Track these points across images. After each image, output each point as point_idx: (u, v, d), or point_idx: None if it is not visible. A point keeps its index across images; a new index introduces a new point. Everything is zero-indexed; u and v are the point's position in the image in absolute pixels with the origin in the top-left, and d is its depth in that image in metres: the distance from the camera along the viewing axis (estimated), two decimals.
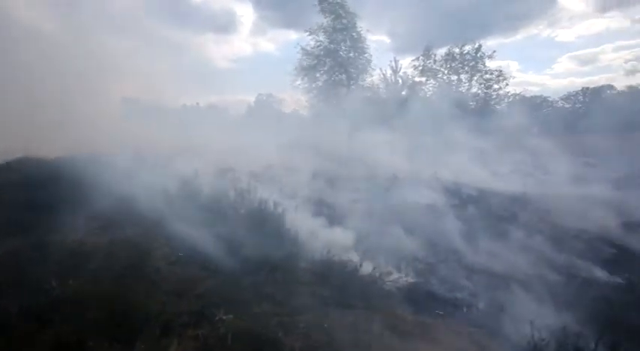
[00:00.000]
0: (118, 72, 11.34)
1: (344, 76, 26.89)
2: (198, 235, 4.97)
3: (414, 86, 29.55)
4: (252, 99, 37.02)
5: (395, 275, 4.39)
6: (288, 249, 4.84)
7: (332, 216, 7.19)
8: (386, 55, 76.45)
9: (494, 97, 31.55)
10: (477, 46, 31.50)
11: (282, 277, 4.49)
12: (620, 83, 50.66)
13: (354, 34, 27.19)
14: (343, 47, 26.66)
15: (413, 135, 14.64)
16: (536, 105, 43.65)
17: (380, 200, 7.88)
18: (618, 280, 4.78)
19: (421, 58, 32.32)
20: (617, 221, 6.81)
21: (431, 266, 4.78)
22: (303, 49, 27.54)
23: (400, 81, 28.12)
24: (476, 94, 31.81)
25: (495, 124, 23.07)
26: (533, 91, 66.00)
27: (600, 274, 4.94)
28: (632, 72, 58.09)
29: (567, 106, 45.09)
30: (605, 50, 63.84)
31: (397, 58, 29.90)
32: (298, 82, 28.03)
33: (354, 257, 4.50)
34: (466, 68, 32.09)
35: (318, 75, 27.28)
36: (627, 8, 56.65)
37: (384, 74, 29.09)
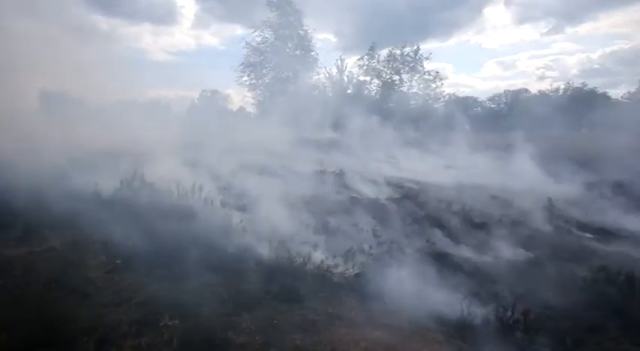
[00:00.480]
0: (34, 62, 10.02)
1: (290, 74, 26.92)
2: (138, 241, 4.67)
3: (358, 85, 30.58)
4: (195, 95, 35.19)
5: (342, 267, 4.58)
6: (235, 247, 4.78)
7: (279, 211, 7.23)
8: (332, 53, 77.83)
9: (432, 96, 33.98)
10: (415, 48, 33.61)
11: (230, 276, 4.44)
12: (534, 87, 57.78)
13: (300, 31, 27.33)
14: (289, 44, 26.70)
15: (358, 132, 15.19)
16: (468, 105, 47.89)
17: (327, 194, 8.11)
18: (530, 255, 5.55)
19: (365, 57, 33.56)
20: (530, 207, 7.85)
21: (375, 257, 5.06)
22: (248, 44, 27.00)
23: (346, 80, 28.97)
24: (416, 94, 33.98)
25: (433, 121, 24.95)
26: (465, 91, 72.38)
27: (516, 252, 5.70)
28: (542, 78, 66.78)
29: (493, 106, 50.02)
30: (521, 58, 72.16)
31: (343, 58, 30.66)
32: (244, 79, 27.45)
33: (303, 251, 4.60)
34: (407, 69, 34.13)
35: (264, 71, 27.01)
36: (537, 22, 64.63)
37: (329, 73, 29.72)
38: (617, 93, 37.19)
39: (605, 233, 6.51)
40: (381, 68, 34.17)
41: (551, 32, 70.50)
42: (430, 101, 33.56)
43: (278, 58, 26.13)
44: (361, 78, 33.19)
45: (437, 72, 33.71)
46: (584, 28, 66.52)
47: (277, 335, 3.49)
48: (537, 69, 67.42)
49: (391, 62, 34.22)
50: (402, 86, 33.72)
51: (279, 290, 3.98)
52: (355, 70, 33.79)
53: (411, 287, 4.41)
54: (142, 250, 4.66)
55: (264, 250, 4.73)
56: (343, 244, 5.03)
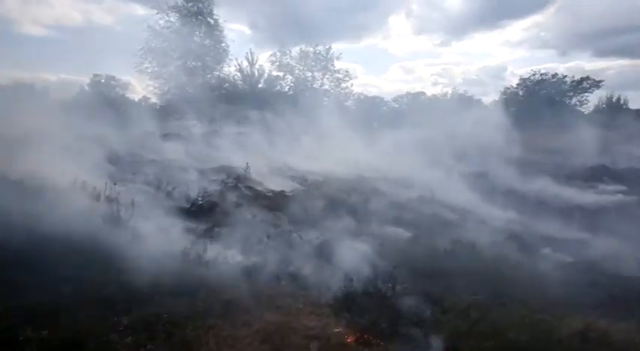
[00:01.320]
0: None
1: (199, 64, 25.37)
2: None
3: (270, 80, 30.53)
4: (85, 80, 30.18)
5: (239, 258, 4.69)
6: (119, 245, 4.48)
7: (182, 208, 6.96)
8: (247, 46, 75.59)
9: (342, 94, 35.99)
10: (327, 47, 35.09)
11: (122, 273, 4.16)
12: (429, 91, 65.92)
13: (210, 20, 25.92)
14: (198, 33, 25.09)
15: (269, 126, 15.28)
16: (375, 104, 52.12)
17: (231, 189, 8.07)
18: (409, 234, 6.53)
19: (278, 53, 33.66)
20: (412, 194, 9.14)
21: (273, 247, 5.31)
22: (151, 27, 24.47)
23: (256, 74, 28.57)
24: (327, 91, 35.56)
25: (345, 118, 26.51)
26: (374, 91, 78.27)
27: (399, 231, 6.65)
28: (435, 83, 76.66)
29: (397, 106, 55.41)
30: (419, 64, 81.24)
31: (253, 51, 30.09)
32: (146, 65, 24.83)
33: (199, 245, 4.57)
34: (318, 67, 35.42)
35: (168, 59, 24.85)
36: (431, 34, 73.89)
37: (240, 66, 28.83)
38: (487, 100, 44.92)
39: (466, 212, 8.04)
40: (294, 65, 34.76)
41: (441, 44, 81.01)
42: (341, 99, 35.47)
43: (185, 46, 24.30)
44: (274, 73, 33.26)
45: (347, 71, 35.78)
46: (465, 44, 78.38)
47: (165, 328, 3.45)
48: (432, 75, 77.03)
49: (304, 59, 35.06)
50: (314, 83, 34.86)
51: (171, 285, 3.89)
52: (268, 65, 33.73)
53: (305, 271, 4.77)
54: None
55: (153, 246, 4.54)
56: (242, 235, 5.13)
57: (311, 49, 34.90)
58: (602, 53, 72.55)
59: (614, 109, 33.88)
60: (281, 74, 33.99)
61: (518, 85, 40.69)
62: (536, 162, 15.19)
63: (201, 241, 4.78)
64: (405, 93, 54.04)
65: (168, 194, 7.15)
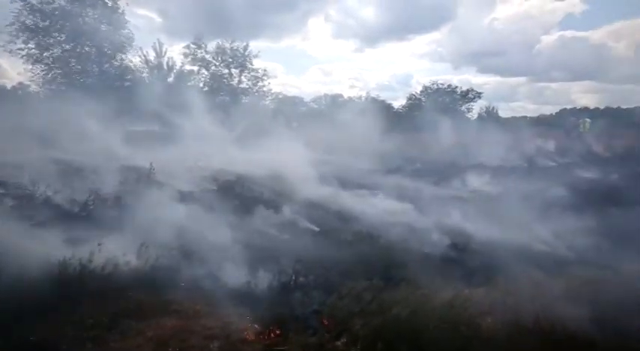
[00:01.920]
0: None
1: (93, 50, 22.19)
2: None
3: (182, 74, 28.47)
4: None
5: (134, 263, 4.36)
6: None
7: (67, 213, 6.14)
8: (157, 35, 68.90)
9: (261, 93, 35.53)
10: (244, 44, 34.24)
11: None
12: (346, 93, 69.68)
13: (107, 0, 22.86)
14: (91, 13, 21.85)
15: (179, 123, 14.34)
16: (295, 104, 52.87)
17: (133, 190, 7.40)
18: (316, 229, 6.92)
19: (192, 46, 31.64)
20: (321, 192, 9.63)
21: (177, 249, 5.07)
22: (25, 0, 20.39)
23: (166, 67, 26.28)
24: (245, 89, 34.76)
25: (263, 117, 26.31)
26: (293, 91, 79.31)
27: (307, 227, 6.99)
28: (352, 87, 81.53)
29: (315, 106, 57.07)
30: (337, 68, 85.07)
31: (162, 41, 27.29)
32: (20, 46, 20.68)
33: (84, 252, 4.11)
34: (236, 64, 34.36)
35: (52, 41, 21.15)
36: (347, 39, 78.42)
37: (145, 56, 25.95)
38: (397, 104, 49.69)
39: (367, 207, 8.85)
40: (210, 60, 33.12)
41: (357, 50, 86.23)
42: (259, 98, 35.05)
43: (73, 28, 20.90)
44: (188, 67, 31.14)
45: (265, 70, 35.43)
46: (378, 51, 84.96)
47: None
48: (348, 79, 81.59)
49: (220, 55, 33.64)
50: (232, 81, 33.75)
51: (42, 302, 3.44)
52: (180, 57, 31.40)
53: (207, 271, 4.68)
54: None
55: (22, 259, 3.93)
56: (138, 239, 4.76)
57: (228, 44, 33.66)
58: (483, 70, 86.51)
59: (490, 117, 40.72)
60: (195, 69, 32.02)
61: (421, 92, 45.94)
62: (432, 160, 17.36)
63: (88, 247, 4.29)
64: (323, 94, 56.03)
65: (47, 200, 6.21)
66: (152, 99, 15.07)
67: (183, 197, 7.35)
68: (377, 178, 11.51)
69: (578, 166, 17.69)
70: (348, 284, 5.19)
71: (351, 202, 8.35)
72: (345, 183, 10.32)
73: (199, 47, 31.74)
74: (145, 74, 25.55)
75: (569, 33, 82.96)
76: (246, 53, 34.40)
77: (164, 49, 26.80)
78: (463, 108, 42.84)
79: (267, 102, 37.45)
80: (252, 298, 4.44)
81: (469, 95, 42.64)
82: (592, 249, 7.00)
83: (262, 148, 14.33)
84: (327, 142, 17.00)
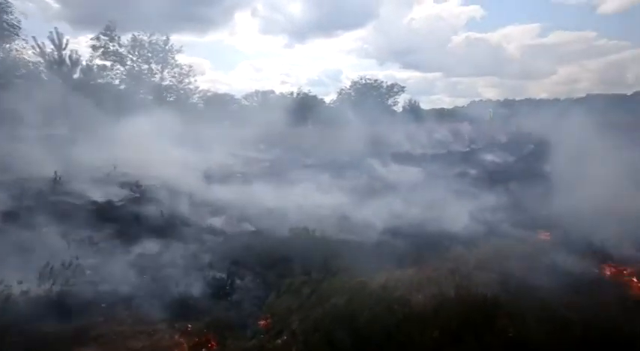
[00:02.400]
0: None
1: None
2: None
3: (90, 70, 25.27)
4: None
5: (36, 290, 3.76)
6: None
7: None
8: (55, 24, 59.79)
9: (186, 90, 33.29)
10: (165, 38, 31.62)
11: None
12: (278, 89, 69.10)
13: None
14: None
15: (93, 125, 12.75)
16: (225, 101, 50.73)
17: (35, 204, 6.38)
18: (252, 228, 6.78)
19: (102, 37, 28.24)
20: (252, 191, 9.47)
21: (93, 268, 4.51)
22: None
23: (69, 61, 22.95)
24: (169, 87, 32.28)
25: (190, 116, 24.73)
26: (224, 88, 76.05)
27: (243, 227, 6.81)
28: (283, 82, 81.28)
29: (247, 103, 55.51)
30: (268, 63, 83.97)
31: (60, 31, 23.28)
32: None
33: None
34: (156, 59, 31.62)
35: None
36: (276, 35, 77.65)
37: (40, 47, 22.16)
38: (328, 99, 50.94)
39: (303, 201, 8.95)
40: (126, 54, 29.99)
41: (286, 46, 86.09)
42: (184, 95, 32.84)
43: None
44: (99, 62, 27.77)
45: (191, 66, 33.27)
46: (308, 47, 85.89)
47: None
48: (279, 74, 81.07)
49: (138, 49, 30.67)
50: (152, 77, 31.04)
51: None
52: (89, 51, 27.82)
53: (132, 287, 4.26)
54: None
55: None
56: (42, 261, 4.11)
57: (145, 37, 30.78)
58: (405, 66, 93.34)
59: (413, 109, 44.08)
60: (108, 64, 28.68)
61: (350, 87, 47.71)
62: (361, 152, 18.12)
63: None
64: (254, 91, 54.78)
65: None
66: (53, 98, 13.06)
67: (100, 209, 6.55)
68: (309, 173, 11.66)
69: (487, 151, 20.14)
70: (286, 281, 5.19)
71: (286, 197, 8.32)
72: (279, 179, 10.25)
73: (111, 39, 28.49)
74: (42, 69, 21.99)
75: (472, 34, 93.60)
76: (168, 47, 31.95)
77: (64, 41, 23.24)
78: (389, 101, 45.69)
79: (195, 100, 35.35)
80: (185, 308, 4.16)
81: (394, 90, 45.66)
82: (500, 222, 8.02)
83: (193, 148, 13.53)
84: (259, 138, 16.65)
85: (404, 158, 17.51)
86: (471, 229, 7.23)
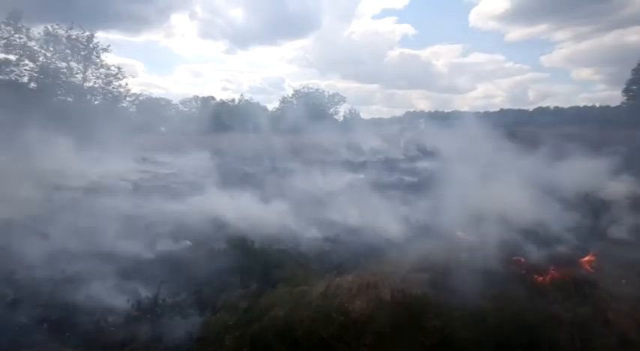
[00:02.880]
0: None
1: None
2: None
3: None
4: None
5: None
6: None
7: None
8: None
9: (115, 94, 30.31)
10: (87, 33, 28.55)
11: None
12: (219, 96, 66.82)
13: None
14: None
15: None
16: (161, 106, 47.46)
17: None
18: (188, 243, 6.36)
19: (4, 27, 24.50)
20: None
21: None
22: None
23: None
24: (94, 89, 29.15)
25: (119, 122, 22.62)
26: (159, 92, 71.11)
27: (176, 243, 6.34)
28: (225, 89, 78.94)
29: (185, 109, 52.70)
30: (208, 68, 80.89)
31: None
32: None
33: None
34: (78, 57, 28.38)
35: None
36: (217, 40, 75.27)
37: None
38: (271, 106, 50.72)
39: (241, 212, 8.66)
40: (38, 49, 26.45)
41: (227, 52, 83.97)
42: (112, 99, 29.93)
43: None
44: (1, 56, 24.09)
45: (119, 68, 30.41)
46: (250, 54, 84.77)
47: None
48: (220, 80, 78.65)
49: (52, 44, 27.24)
50: (71, 77, 27.77)
51: None
52: None
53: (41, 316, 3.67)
54: None
55: None
56: None
57: (62, 31, 27.50)
58: (346, 77, 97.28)
59: (354, 118, 46.01)
60: (13, 58, 25.00)
61: (293, 95, 48.18)
62: (301, 159, 18.30)
63: None
64: (193, 96, 52.37)
65: None
66: None
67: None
68: (249, 181, 11.39)
69: (417, 159, 21.70)
70: (222, 296, 4.94)
71: (223, 208, 7.97)
72: (217, 188, 9.82)
73: (17, 30, 24.87)
74: None
75: (406, 50, 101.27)
76: (92, 45, 28.90)
77: None
78: (331, 111, 47.06)
79: (126, 104, 32.42)
80: (106, 336, 3.71)
81: (335, 99, 47.24)
82: (429, 224, 8.61)
83: (120, 155, 12.32)
84: (197, 145, 15.85)
85: (343, 166, 18.05)
86: (406, 232, 7.65)
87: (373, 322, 4.09)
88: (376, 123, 44.77)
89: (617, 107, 43.99)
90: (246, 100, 47.17)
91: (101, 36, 31.93)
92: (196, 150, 18.15)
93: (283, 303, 4.69)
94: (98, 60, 29.12)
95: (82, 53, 28.47)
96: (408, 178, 14.13)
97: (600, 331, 4.08)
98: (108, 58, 29.69)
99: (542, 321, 4.15)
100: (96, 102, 29.35)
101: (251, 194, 9.16)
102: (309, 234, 7.29)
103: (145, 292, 4.58)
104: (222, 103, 48.51)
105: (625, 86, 41.56)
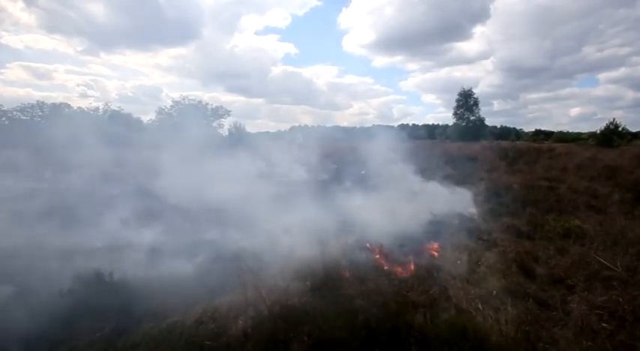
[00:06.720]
0: None
1: None
2: None
3: None
4: None
5: None
6: None
7: None
8: None
9: None
10: None
11: None
12: (76, 103, 56.09)
13: None
14: None
15: None
16: None
17: None
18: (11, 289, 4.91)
19: None
20: None
21: None
22: None
23: None
24: None
25: None
26: None
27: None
28: (84, 96, 66.57)
29: (25, 118, 42.43)
30: (59, 69, 67.13)
31: None
32: None
33: None
34: None
35: None
36: (70, 37, 63.21)
37: None
38: (146, 118, 45.17)
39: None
40: None
41: (87, 53, 71.51)
42: None
43: None
44: None
45: None
46: (118, 58, 74.15)
47: None
48: (78, 85, 66.13)
49: None
50: None
51: None
52: None
53: None
54: None
55: None
56: None
57: None
58: (230, 90, 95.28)
59: (239, 132, 45.16)
60: None
61: (172, 106, 44.01)
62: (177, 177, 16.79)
63: None
64: (36, 102, 42.70)
65: None
66: None
67: None
68: (112, 204, 9.73)
69: (305, 170, 22.62)
70: (63, 347, 4.00)
71: (74, 238, 6.53)
72: (68, 214, 8.02)
73: None
74: None
75: (289, 68, 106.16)
76: None
77: None
78: (215, 124, 44.99)
79: None
80: None
81: (219, 112, 45.37)
82: (310, 230, 8.98)
83: None
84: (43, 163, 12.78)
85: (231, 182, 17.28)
86: (289, 242, 7.74)
87: (248, 342, 3.93)
88: (263, 137, 44.86)
89: (454, 125, 57.08)
90: (114, 109, 40.80)
91: None
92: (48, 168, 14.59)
93: (148, 341, 4.08)
94: None
95: None
96: (295, 189, 14.47)
97: (444, 306, 4.91)
98: None
99: (402, 307, 4.74)
100: None
101: (115, 218, 7.78)
102: (185, 255, 6.62)
103: None
104: (82, 111, 40.92)
105: (454, 110, 56.16)
